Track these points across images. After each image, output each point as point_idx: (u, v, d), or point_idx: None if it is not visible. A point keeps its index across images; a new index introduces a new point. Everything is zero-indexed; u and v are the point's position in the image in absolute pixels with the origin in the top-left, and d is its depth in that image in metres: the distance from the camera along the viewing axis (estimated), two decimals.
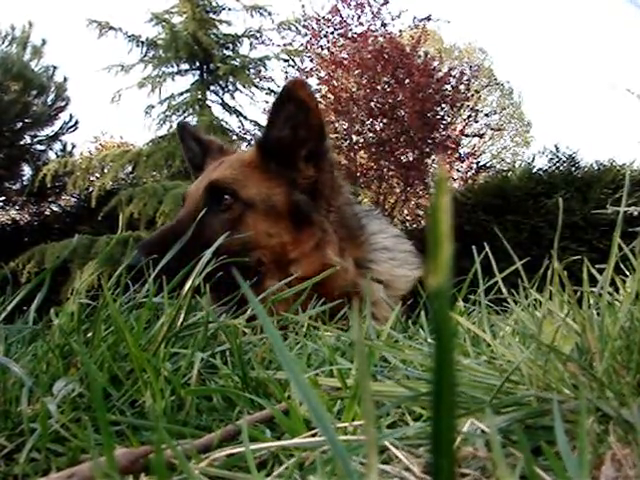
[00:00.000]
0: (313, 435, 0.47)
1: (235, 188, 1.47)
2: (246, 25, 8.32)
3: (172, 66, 7.87)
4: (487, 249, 0.82)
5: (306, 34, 10.84)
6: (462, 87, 10.56)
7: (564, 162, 7.81)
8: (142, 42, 7.79)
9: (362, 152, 10.31)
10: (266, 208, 1.46)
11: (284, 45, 9.86)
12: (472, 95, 11.05)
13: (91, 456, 0.48)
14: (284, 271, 1.41)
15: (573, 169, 7.52)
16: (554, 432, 0.38)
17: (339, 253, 1.47)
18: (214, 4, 7.98)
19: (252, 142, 9.15)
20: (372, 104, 9.93)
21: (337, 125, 10.48)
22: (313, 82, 11.05)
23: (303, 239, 1.46)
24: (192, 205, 1.50)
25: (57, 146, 9.50)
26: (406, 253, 1.65)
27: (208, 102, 7.92)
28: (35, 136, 9.27)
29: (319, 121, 1.50)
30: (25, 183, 8.96)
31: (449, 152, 10.37)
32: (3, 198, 9.20)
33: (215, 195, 1.48)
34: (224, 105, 8.07)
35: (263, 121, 9.98)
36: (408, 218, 11.47)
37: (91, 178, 7.59)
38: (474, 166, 11.58)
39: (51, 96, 9.36)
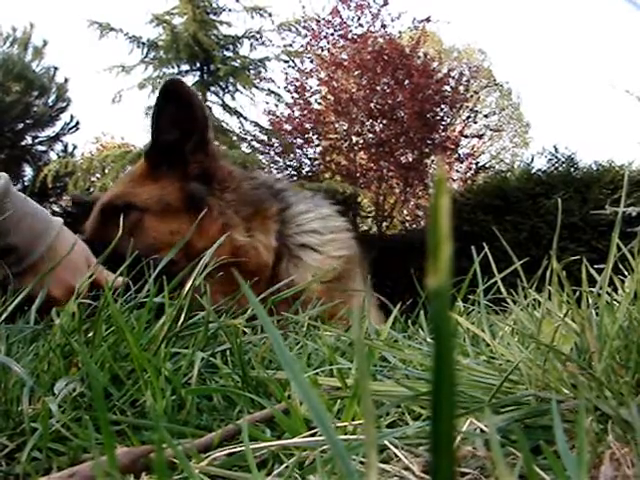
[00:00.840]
0: (313, 435, 0.47)
1: (127, 200, 1.48)
2: (246, 26, 8.32)
3: (173, 67, 7.88)
4: (486, 249, 0.82)
5: (306, 35, 10.85)
6: (461, 88, 10.58)
7: (563, 163, 7.82)
8: (143, 43, 7.80)
9: (362, 153, 10.31)
10: (162, 208, 1.47)
11: (284, 46, 9.87)
12: (471, 96, 11.06)
13: (92, 455, 0.48)
14: (189, 259, 1.40)
15: (572, 170, 7.53)
16: (553, 431, 0.38)
17: (246, 233, 1.48)
18: (215, 5, 8.00)
19: (251, 143, 9.15)
20: (372, 105, 9.94)
21: (337, 126, 10.49)
22: (313, 83, 11.07)
23: (205, 227, 1.44)
24: (89, 228, 1.52)
25: (58, 147, 9.52)
26: (333, 234, 1.62)
27: (208, 103, 7.93)
28: (36, 137, 9.28)
29: (202, 113, 1.50)
30: (26, 184, 8.96)
31: (448, 153, 10.38)
32: None
33: (110, 214, 1.48)
34: (224, 106, 8.08)
35: (263, 122, 10.01)
36: (408, 218, 11.48)
37: (92, 179, 7.60)
38: (473, 167, 11.59)
39: (52, 97, 9.38)
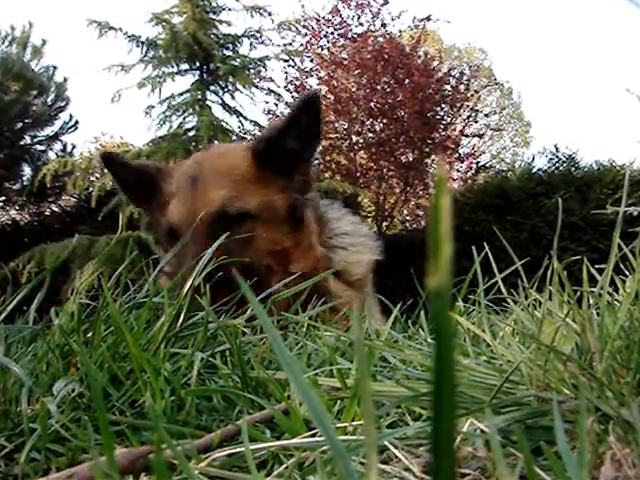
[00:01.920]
0: (313, 435, 0.47)
1: (240, 207, 1.44)
2: (246, 25, 8.31)
3: (172, 66, 7.87)
4: (487, 249, 0.82)
5: (306, 34, 10.84)
6: (462, 87, 10.57)
7: (564, 162, 7.82)
8: (142, 42, 7.79)
9: (362, 152, 10.31)
10: (270, 217, 1.47)
11: (284, 45, 9.86)
12: (472, 95, 11.05)
13: (91, 456, 0.48)
14: (285, 270, 1.43)
15: (573, 169, 7.53)
16: (554, 432, 0.38)
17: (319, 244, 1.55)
18: (214, 4, 7.99)
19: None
20: (372, 104, 9.93)
21: (337, 125, 10.49)
22: (313, 82, 11.06)
23: (300, 238, 1.50)
24: (201, 235, 1.39)
25: (57, 146, 9.52)
26: (364, 237, 1.70)
27: (208, 102, 7.92)
28: (35, 136, 9.28)
29: (321, 131, 1.57)
30: (25, 183, 8.96)
31: (449, 152, 10.38)
32: (3, 198, 9.20)
33: (221, 218, 1.43)
34: (224, 105, 8.07)
35: (263, 121, 10.00)
36: (408, 218, 11.48)
37: (91, 178, 7.60)
38: (474, 166, 11.59)
39: (51, 96, 9.37)
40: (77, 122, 9.63)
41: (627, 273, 0.70)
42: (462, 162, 11.45)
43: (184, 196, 1.49)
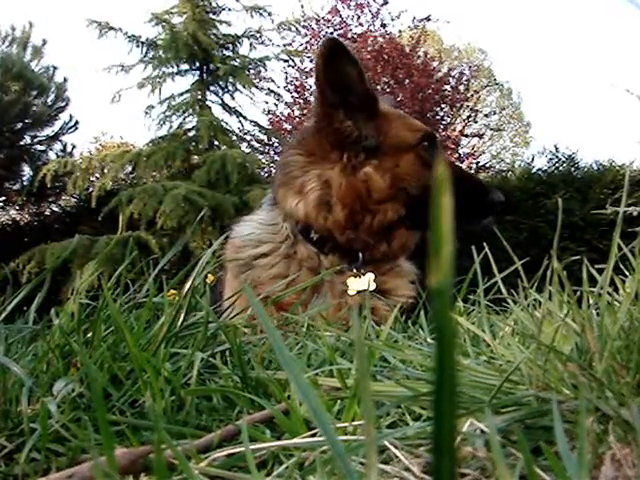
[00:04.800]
0: (313, 435, 0.47)
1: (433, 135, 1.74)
2: (246, 25, 8.31)
3: (172, 66, 7.86)
4: (486, 249, 0.82)
5: (306, 34, 10.85)
6: (461, 87, 10.58)
7: (563, 162, 7.82)
8: (142, 42, 7.79)
9: None
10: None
11: (284, 45, 9.86)
12: (471, 95, 11.06)
13: (91, 456, 0.48)
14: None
15: (572, 169, 7.53)
16: (554, 432, 0.38)
17: None
18: (214, 4, 7.98)
19: (250, 142, 9.13)
20: None
21: None
22: (313, 82, 11.03)
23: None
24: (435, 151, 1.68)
25: (57, 146, 9.51)
26: None
27: (208, 102, 7.92)
28: (35, 136, 9.27)
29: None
30: (25, 183, 8.96)
31: (449, 152, 10.38)
32: (3, 198, 9.19)
33: (426, 148, 1.66)
34: (224, 105, 8.07)
35: (263, 121, 10.00)
36: None
37: (91, 178, 7.59)
38: (474, 166, 11.59)
39: (51, 96, 9.37)
40: (77, 122, 9.63)
41: (627, 273, 0.70)
42: (462, 162, 11.45)
43: (401, 120, 1.73)
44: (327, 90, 1.60)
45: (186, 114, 7.83)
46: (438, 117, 10.23)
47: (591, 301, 0.64)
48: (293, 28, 8.49)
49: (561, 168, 7.68)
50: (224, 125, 7.85)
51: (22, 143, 9.10)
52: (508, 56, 33.27)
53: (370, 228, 1.55)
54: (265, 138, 9.87)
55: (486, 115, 12.57)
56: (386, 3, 10.84)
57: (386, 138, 1.63)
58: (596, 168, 7.37)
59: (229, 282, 1.62)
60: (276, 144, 10.21)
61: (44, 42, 9.31)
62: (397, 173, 1.59)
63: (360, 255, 1.55)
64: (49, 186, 7.54)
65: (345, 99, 1.61)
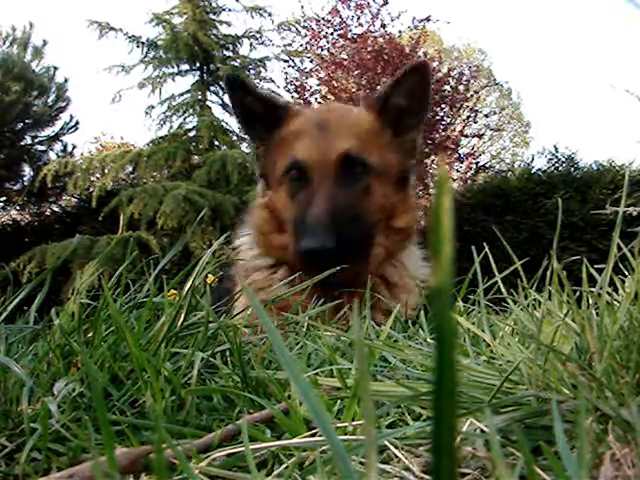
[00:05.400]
0: (313, 435, 0.47)
1: (365, 158, 1.55)
2: (246, 26, 8.32)
3: (172, 67, 7.87)
4: (486, 249, 0.82)
5: (306, 35, 10.84)
6: (461, 88, 10.57)
7: (563, 162, 7.81)
8: (143, 43, 7.79)
9: None
10: (384, 174, 1.57)
11: (284, 46, 9.86)
12: (471, 95, 11.05)
13: (91, 456, 0.48)
14: (388, 225, 1.59)
15: (572, 169, 7.53)
16: (553, 432, 0.38)
17: None
18: (214, 5, 7.99)
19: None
20: None
21: None
22: (313, 83, 11.06)
23: (404, 198, 1.62)
24: (328, 177, 1.53)
25: (58, 147, 9.51)
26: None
27: (208, 103, 7.92)
28: (36, 137, 9.27)
29: (430, 97, 1.67)
30: (26, 183, 8.96)
31: (449, 152, 10.37)
32: (4, 198, 9.19)
33: (347, 165, 1.53)
34: (224, 106, 8.06)
35: None
36: None
37: (92, 178, 7.59)
38: (473, 166, 11.58)
39: (52, 97, 9.37)
40: (78, 122, 9.63)
41: (627, 273, 0.70)
42: (462, 162, 11.45)
43: (313, 137, 1.57)
44: (242, 123, 1.73)
45: (186, 114, 7.83)
46: (438, 117, 10.22)
47: (591, 301, 0.64)
48: (293, 28, 8.50)
49: (561, 168, 7.68)
50: (224, 125, 7.85)
51: (23, 143, 9.10)
52: (508, 56, 33.28)
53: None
54: None
55: (486, 115, 12.56)
56: (386, 3, 10.84)
57: (269, 170, 1.64)
58: (596, 168, 7.37)
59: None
60: None
61: (45, 42, 9.32)
62: (274, 208, 1.60)
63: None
64: (50, 186, 7.55)
65: (255, 129, 1.68)
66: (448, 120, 10.57)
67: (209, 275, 1.16)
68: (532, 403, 0.49)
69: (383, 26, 10.88)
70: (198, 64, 7.94)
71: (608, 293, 0.64)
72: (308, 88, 10.99)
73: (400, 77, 1.63)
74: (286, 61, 9.82)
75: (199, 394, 0.61)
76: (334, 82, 10.29)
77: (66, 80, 9.60)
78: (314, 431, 0.48)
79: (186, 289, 0.77)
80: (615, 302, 0.65)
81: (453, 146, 10.64)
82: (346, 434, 0.48)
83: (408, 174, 1.65)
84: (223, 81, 7.79)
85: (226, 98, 8.06)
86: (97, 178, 7.58)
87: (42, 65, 9.31)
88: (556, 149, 7.98)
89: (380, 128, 1.61)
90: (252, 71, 8.11)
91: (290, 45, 10.30)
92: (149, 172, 7.60)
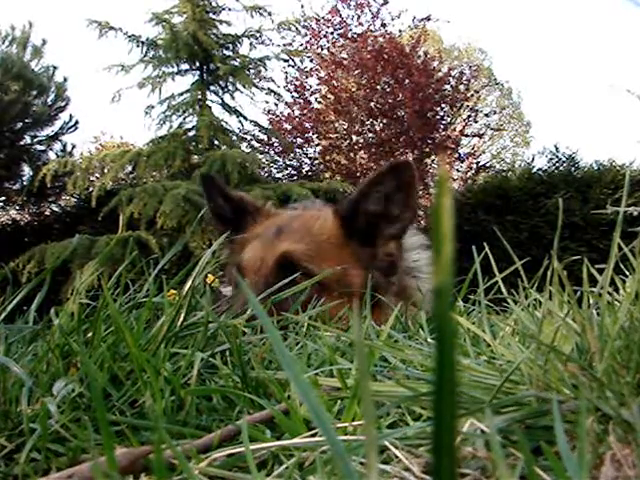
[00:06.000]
0: (313, 435, 0.47)
1: (309, 267, 1.35)
2: (246, 25, 8.32)
3: (172, 66, 7.87)
4: (487, 249, 0.82)
5: (306, 34, 10.86)
6: (462, 87, 10.58)
7: (564, 162, 7.82)
8: (142, 42, 7.79)
9: (362, 152, 10.32)
10: (339, 288, 1.35)
11: (284, 45, 9.87)
12: (472, 95, 11.06)
13: (91, 456, 0.48)
14: None
15: (573, 169, 7.53)
16: (554, 432, 0.38)
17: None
18: (214, 4, 7.99)
19: (251, 142, 9.13)
20: (372, 104, 9.94)
21: (337, 125, 10.49)
22: (313, 82, 11.07)
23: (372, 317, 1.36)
24: (261, 279, 1.37)
25: (57, 146, 9.51)
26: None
27: (208, 102, 7.92)
28: (35, 136, 9.27)
29: (415, 205, 1.45)
30: (25, 183, 8.96)
31: (449, 152, 10.38)
32: (3, 198, 9.20)
33: (287, 269, 1.32)
34: (224, 105, 8.07)
35: (263, 121, 10.00)
36: None
37: (91, 178, 7.60)
38: (474, 166, 11.60)
39: (51, 96, 9.37)
40: (77, 122, 9.63)
41: (627, 273, 0.70)
42: (462, 162, 11.46)
43: (263, 241, 1.47)
44: (214, 219, 1.68)
45: (186, 114, 7.83)
46: (438, 117, 10.23)
47: (591, 301, 0.64)
48: (293, 28, 8.49)
49: (561, 168, 7.69)
50: (224, 125, 7.86)
51: (22, 143, 9.10)
52: (508, 56, 33.28)
53: None
54: (265, 138, 9.88)
55: (486, 115, 12.56)
56: (386, 3, 10.84)
57: (227, 271, 1.55)
58: (596, 168, 7.38)
59: None
60: (276, 144, 10.22)
61: (44, 42, 9.32)
62: None
63: None
64: (49, 186, 7.55)
65: (225, 228, 1.60)
66: (448, 120, 10.58)
67: (209, 275, 1.15)
68: (532, 403, 0.49)
69: (383, 25, 10.89)
70: (198, 63, 7.94)
71: (609, 293, 0.63)
72: (308, 87, 11.00)
73: (375, 178, 1.42)
74: (286, 60, 9.83)
75: (199, 394, 0.61)
76: (334, 81, 10.30)
77: (65, 79, 9.60)
78: (314, 431, 0.48)
79: (186, 289, 0.77)
80: (616, 302, 0.65)
81: (453, 146, 10.65)
82: (346, 434, 0.48)
83: (382, 292, 1.32)
84: (221, 80, 7.81)
85: (226, 97, 8.08)
86: (97, 178, 7.58)
87: (41, 64, 9.31)
88: (557, 149, 7.99)
89: (342, 237, 1.42)
90: (252, 70, 8.11)
91: (290, 44, 10.32)
92: (149, 172, 7.61)
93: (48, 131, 9.39)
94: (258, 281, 1.36)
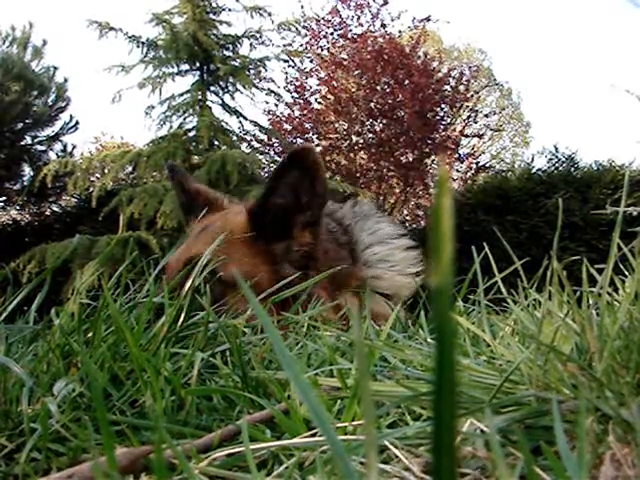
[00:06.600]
0: (313, 435, 0.47)
1: (215, 268, 1.27)
2: (246, 26, 8.31)
3: (172, 67, 7.86)
4: (486, 249, 0.82)
5: (306, 35, 10.86)
6: (461, 87, 10.58)
7: (563, 162, 7.82)
8: (142, 43, 7.79)
9: (362, 152, 10.32)
10: (237, 286, 1.27)
11: (284, 46, 9.87)
12: (471, 95, 11.06)
13: (91, 456, 0.48)
14: None
15: (572, 169, 7.54)
16: (553, 432, 0.38)
17: (332, 310, 1.32)
18: (214, 5, 7.98)
19: (251, 142, 9.13)
20: (372, 105, 9.94)
21: (337, 125, 10.49)
22: (313, 82, 11.07)
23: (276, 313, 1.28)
24: (173, 280, 1.35)
25: (57, 147, 9.51)
26: (404, 253, 1.58)
27: (208, 103, 7.92)
28: (35, 137, 9.27)
29: (324, 189, 1.41)
30: (25, 183, 8.96)
31: (449, 152, 10.38)
32: (4, 198, 9.20)
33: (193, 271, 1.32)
34: (224, 106, 8.07)
35: (263, 122, 10.00)
36: (408, 218, 11.48)
37: (91, 178, 7.60)
38: (473, 166, 11.59)
39: (52, 97, 9.37)
40: (77, 122, 9.63)
41: (627, 273, 0.70)
42: (462, 162, 11.46)
43: (187, 241, 1.46)
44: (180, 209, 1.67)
45: (186, 114, 7.83)
46: (438, 117, 10.23)
47: (591, 301, 0.64)
48: (293, 28, 8.48)
49: (561, 168, 7.69)
50: (224, 125, 7.85)
51: (22, 143, 9.11)
52: (508, 56, 33.27)
53: None
54: (265, 138, 9.88)
55: (486, 115, 12.56)
56: (386, 3, 10.84)
57: None
58: (596, 168, 7.38)
59: None
60: (276, 144, 10.22)
61: (44, 42, 9.32)
62: None
63: None
64: (49, 186, 7.54)
65: (187, 219, 1.61)
66: (448, 120, 10.58)
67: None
68: (532, 403, 0.49)
69: (383, 26, 10.89)
70: (198, 64, 7.93)
71: (608, 293, 0.64)
72: (308, 88, 11.00)
73: (278, 170, 1.39)
74: (286, 61, 9.82)
75: (199, 394, 0.61)
76: (334, 82, 10.30)
77: (66, 80, 9.61)
78: (314, 431, 0.48)
79: (186, 289, 0.77)
80: (615, 302, 0.65)
81: (453, 146, 10.65)
82: (346, 434, 0.48)
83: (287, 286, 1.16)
84: (222, 80, 7.80)
85: (226, 98, 8.08)
86: (97, 178, 7.58)
87: (42, 65, 9.31)
88: (556, 149, 7.99)
89: (251, 234, 1.38)
90: (252, 71, 8.11)
91: (290, 45, 10.32)
92: (149, 172, 7.60)
93: (49, 131, 9.40)
94: (171, 282, 1.32)
